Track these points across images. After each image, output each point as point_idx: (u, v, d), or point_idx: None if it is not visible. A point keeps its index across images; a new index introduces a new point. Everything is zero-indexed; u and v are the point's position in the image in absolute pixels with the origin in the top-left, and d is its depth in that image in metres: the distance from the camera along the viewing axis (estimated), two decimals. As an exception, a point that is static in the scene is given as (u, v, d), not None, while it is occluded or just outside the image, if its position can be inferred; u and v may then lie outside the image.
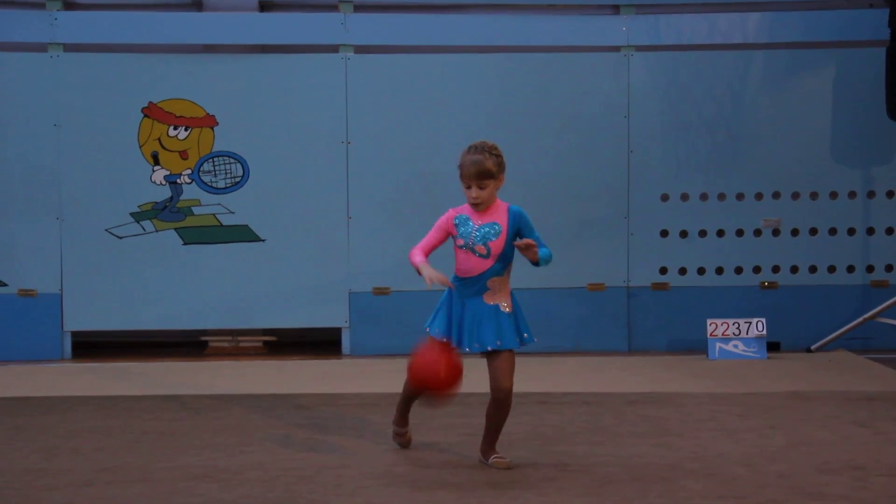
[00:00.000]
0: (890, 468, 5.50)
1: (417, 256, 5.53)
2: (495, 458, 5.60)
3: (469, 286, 5.53)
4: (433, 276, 5.37)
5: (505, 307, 5.53)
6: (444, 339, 5.54)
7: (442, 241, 5.62)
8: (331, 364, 8.87)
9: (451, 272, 5.56)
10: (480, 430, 6.27)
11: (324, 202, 9.13)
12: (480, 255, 5.50)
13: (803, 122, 9.30)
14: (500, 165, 5.52)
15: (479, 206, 5.51)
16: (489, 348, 5.49)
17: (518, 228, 5.52)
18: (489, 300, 5.53)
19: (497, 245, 5.49)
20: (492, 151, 5.49)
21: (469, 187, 5.49)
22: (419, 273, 5.45)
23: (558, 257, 9.16)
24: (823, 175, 9.32)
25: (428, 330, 5.61)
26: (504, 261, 5.52)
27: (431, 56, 9.21)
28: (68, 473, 5.47)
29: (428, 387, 5.49)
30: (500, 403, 5.56)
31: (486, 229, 5.51)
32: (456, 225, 5.56)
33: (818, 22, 9.30)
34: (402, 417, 5.91)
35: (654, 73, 9.26)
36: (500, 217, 5.52)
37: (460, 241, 5.53)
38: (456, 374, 5.46)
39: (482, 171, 5.43)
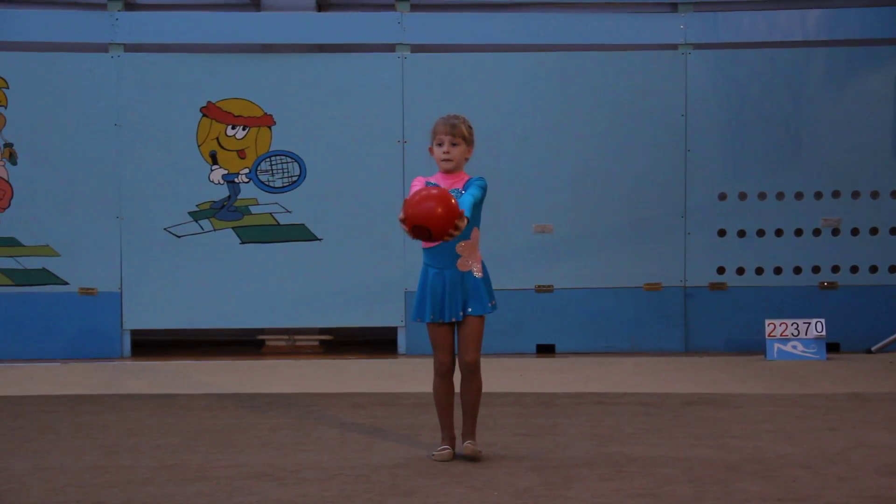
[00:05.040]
0: (952, 472, 5.43)
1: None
2: (468, 443, 5.71)
3: (441, 255, 5.64)
4: None
5: (476, 273, 5.70)
6: (439, 322, 5.66)
7: None
8: (387, 363, 8.90)
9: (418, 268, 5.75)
10: (537, 431, 6.30)
11: (380, 201, 9.14)
12: None
13: (863, 120, 9.19)
14: (471, 136, 5.76)
15: (449, 164, 5.68)
16: (460, 315, 5.65)
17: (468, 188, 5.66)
18: (462, 267, 5.68)
19: None
20: (464, 122, 5.76)
21: (441, 144, 5.69)
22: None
23: (616, 257, 9.24)
24: (884, 174, 9.21)
25: (421, 320, 5.73)
26: (468, 224, 5.58)
27: (488, 55, 9.21)
28: (128, 471, 5.53)
29: (428, 225, 5.33)
30: (464, 378, 5.72)
31: None
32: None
33: (879, 18, 9.18)
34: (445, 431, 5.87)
35: (712, 72, 9.19)
36: (461, 183, 5.69)
37: None
38: (452, 209, 5.35)
39: (457, 129, 5.67)
